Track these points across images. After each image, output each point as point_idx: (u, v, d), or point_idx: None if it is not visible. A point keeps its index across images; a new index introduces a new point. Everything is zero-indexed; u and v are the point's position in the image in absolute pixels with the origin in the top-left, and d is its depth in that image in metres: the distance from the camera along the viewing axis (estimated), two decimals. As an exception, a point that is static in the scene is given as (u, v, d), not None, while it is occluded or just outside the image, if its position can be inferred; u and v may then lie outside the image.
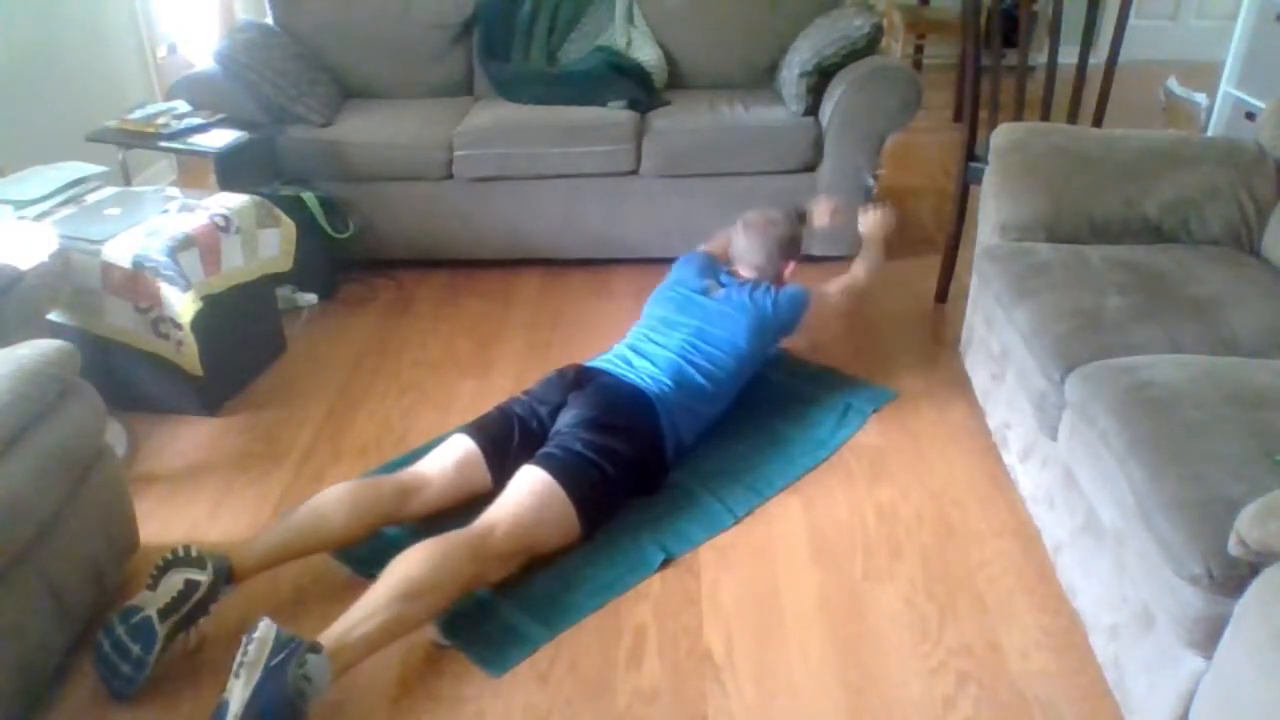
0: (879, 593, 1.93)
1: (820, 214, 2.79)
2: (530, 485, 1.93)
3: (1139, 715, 1.55)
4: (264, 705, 1.47)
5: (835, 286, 2.59)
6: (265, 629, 1.55)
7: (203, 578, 1.71)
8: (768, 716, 1.67)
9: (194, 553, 1.73)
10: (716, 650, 1.81)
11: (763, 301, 2.40)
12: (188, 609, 1.69)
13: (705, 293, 2.44)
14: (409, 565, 1.70)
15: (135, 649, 1.65)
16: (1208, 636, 1.37)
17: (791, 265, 2.58)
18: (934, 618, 1.87)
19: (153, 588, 1.70)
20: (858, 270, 2.66)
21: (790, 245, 2.56)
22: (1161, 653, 1.48)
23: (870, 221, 2.73)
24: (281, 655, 1.52)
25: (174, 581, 1.70)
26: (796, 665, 1.77)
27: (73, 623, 1.75)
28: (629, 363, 2.28)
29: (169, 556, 1.73)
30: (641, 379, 2.21)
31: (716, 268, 2.56)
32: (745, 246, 2.54)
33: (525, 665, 1.77)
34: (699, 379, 2.26)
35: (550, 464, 1.97)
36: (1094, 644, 1.72)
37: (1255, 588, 1.28)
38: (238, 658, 1.51)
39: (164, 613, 1.66)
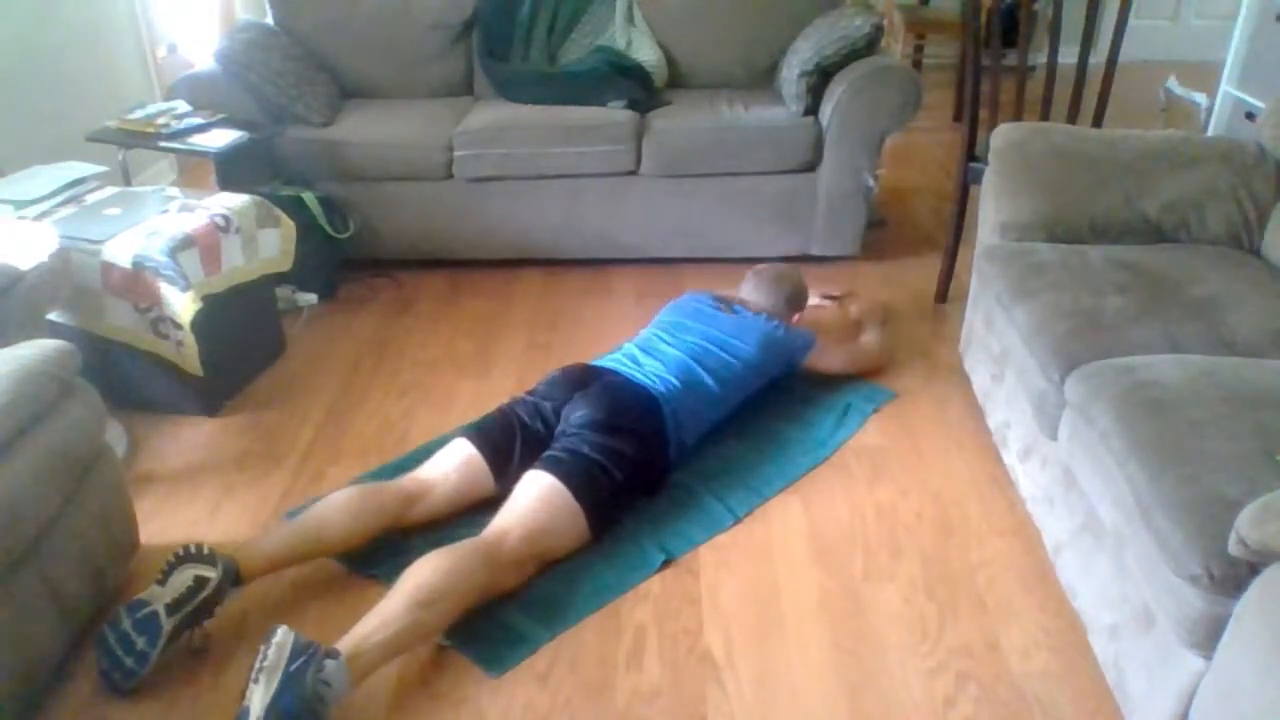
0: (879, 592, 1.93)
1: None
2: (539, 491, 1.93)
3: (1139, 715, 1.55)
4: (285, 709, 1.47)
5: (843, 352, 2.62)
6: (283, 635, 1.55)
7: (212, 575, 1.71)
8: (768, 716, 1.67)
9: (205, 550, 1.73)
10: (716, 650, 1.81)
11: (774, 325, 2.45)
12: (195, 605, 1.69)
13: (719, 310, 2.47)
14: (423, 573, 1.71)
15: (140, 642, 1.65)
16: (1208, 636, 1.37)
17: (796, 318, 2.63)
18: (934, 618, 1.87)
19: (162, 583, 1.71)
20: (870, 339, 2.71)
21: (797, 298, 2.63)
22: (1161, 653, 1.48)
23: (865, 308, 2.83)
24: (300, 660, 1.52)
25: (184, 577, 1.70)
26: (796, 665, 1.77)
27: (73, 623, 1.75)
28: (636, 361, 2.28)
29: (180, 552, 1.73)
30: (648, 378, 2.21)
31: (730, 302, 2.58)
32: (754, 298, 2.60)
33: (525, 665, 1.77)
34: (708, 380, 2.26)
35: (558, 469, 1.96)
36: (1094, 644, 1.72)
37: (1255, 588, 1.28)
38: (255, 663, 1.52)
39: (171, 608, 1.67)
